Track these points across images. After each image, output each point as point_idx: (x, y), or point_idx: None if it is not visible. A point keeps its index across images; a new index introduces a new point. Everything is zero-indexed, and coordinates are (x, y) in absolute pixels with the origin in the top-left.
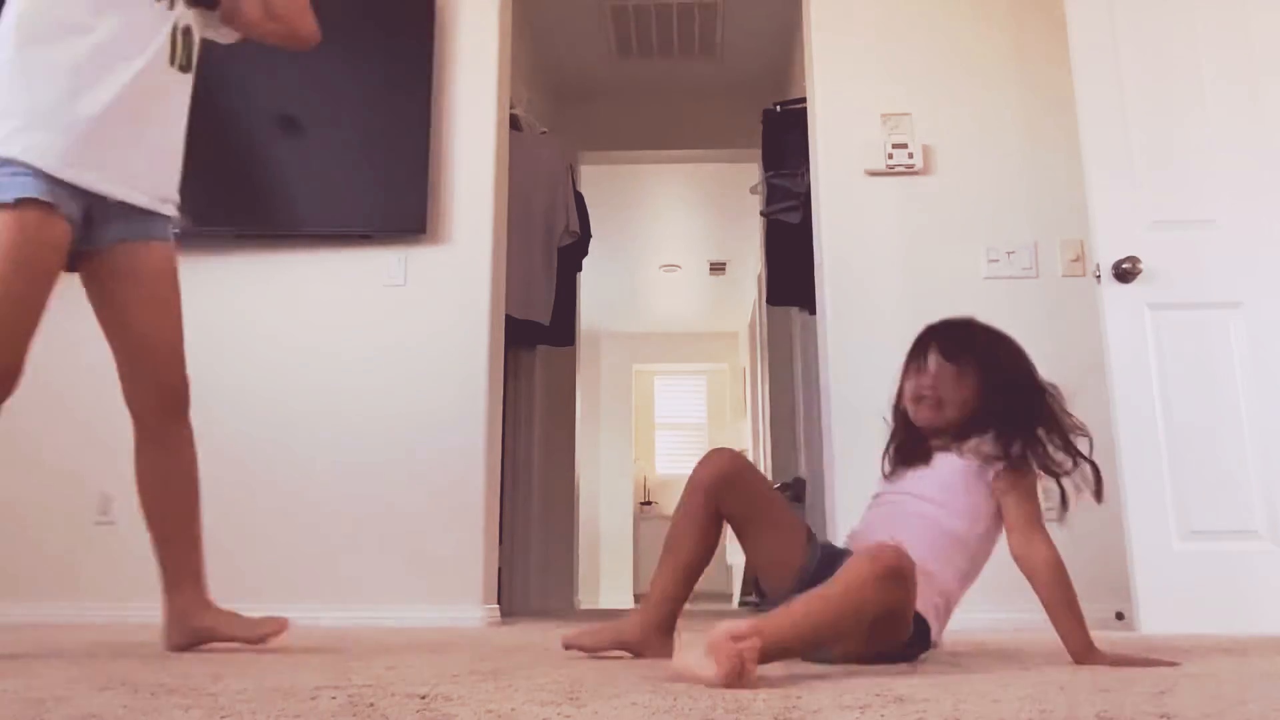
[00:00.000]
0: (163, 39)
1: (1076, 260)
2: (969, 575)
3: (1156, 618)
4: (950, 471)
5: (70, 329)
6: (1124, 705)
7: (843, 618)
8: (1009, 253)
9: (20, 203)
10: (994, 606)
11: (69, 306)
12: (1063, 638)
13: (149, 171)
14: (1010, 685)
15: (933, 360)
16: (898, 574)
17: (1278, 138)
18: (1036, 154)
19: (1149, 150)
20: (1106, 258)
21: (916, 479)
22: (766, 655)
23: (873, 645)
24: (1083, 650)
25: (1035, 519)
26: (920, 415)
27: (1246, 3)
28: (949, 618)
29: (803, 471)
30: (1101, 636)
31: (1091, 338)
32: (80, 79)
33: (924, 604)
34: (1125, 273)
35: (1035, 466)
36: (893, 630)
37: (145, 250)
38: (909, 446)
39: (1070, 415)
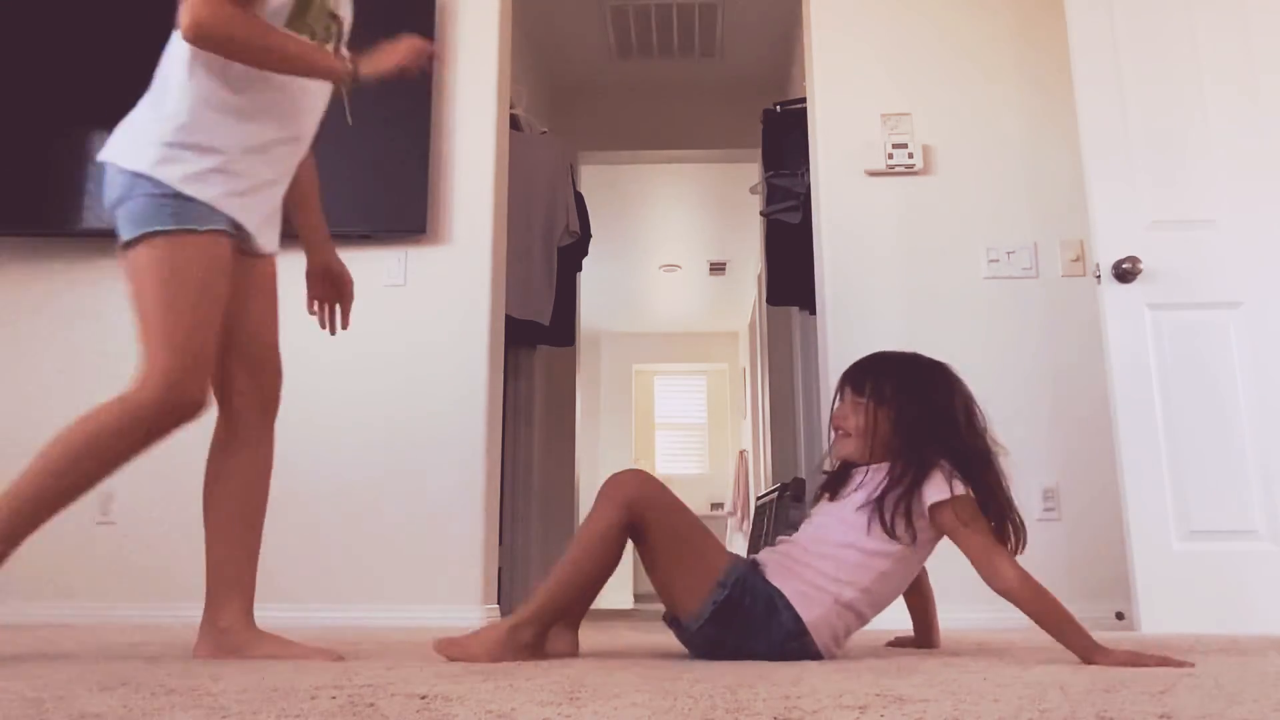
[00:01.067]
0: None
1: (1076, 260)
2: (873, 596)
3: (1156, 618)
4: (849, 507)
5: (70, 329)
6: (1124, 705)
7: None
8: (1009, 253)
9: (210, 232)
10: (993, 607)
11: (70, 306)
12: (1066, 647)
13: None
14: (1010, 685)
15: (842, 394)
16: (620, 496)
17: (1278, 138)
18: (1036, 154)
19: (1149, 150)
20: (1106, 258)
21: (826, 512)
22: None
23: (684, 581)
24: (1087, 651)
25: (988, 546)
26: (835, 448)
27: (1246, 3)
28: (847, 631)
29: (803, 471)
30: (1104, 637)
31: (1091, 338)
32: (257, 140)
33: (810, 607)
34: (1125, 273)
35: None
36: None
37: (260, 262)
38: (833, 479)
39: (999, 471)
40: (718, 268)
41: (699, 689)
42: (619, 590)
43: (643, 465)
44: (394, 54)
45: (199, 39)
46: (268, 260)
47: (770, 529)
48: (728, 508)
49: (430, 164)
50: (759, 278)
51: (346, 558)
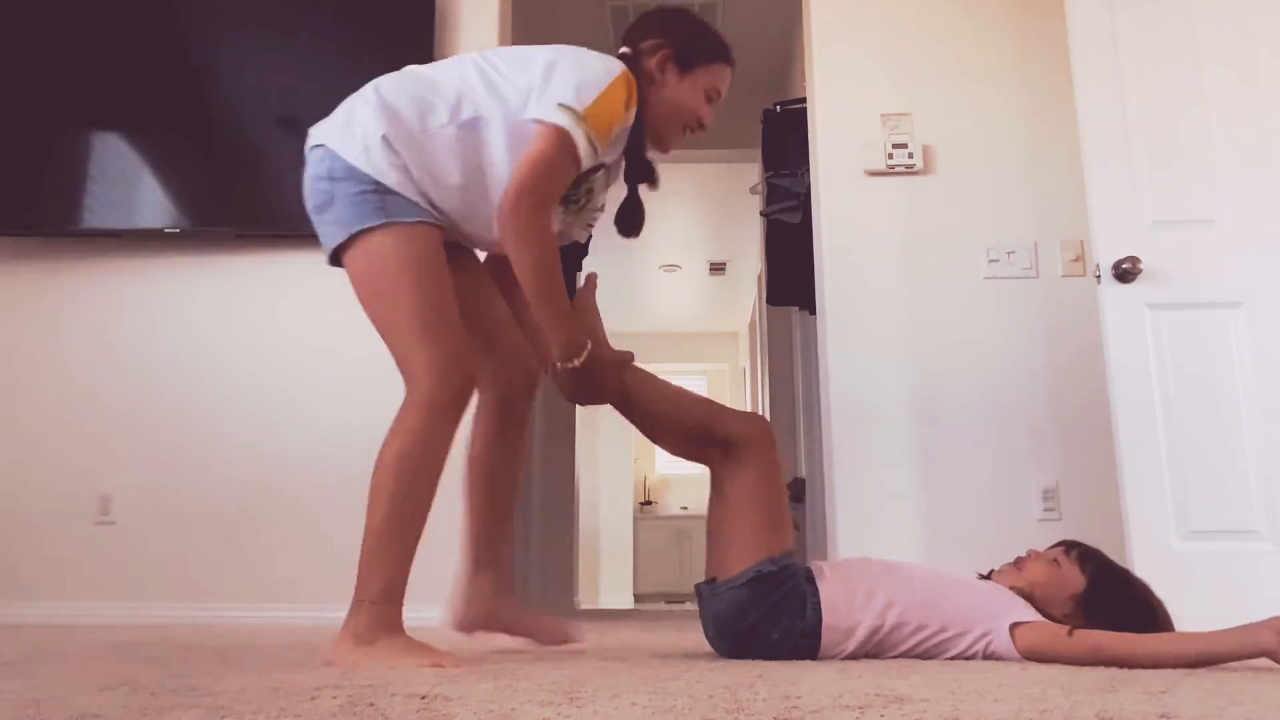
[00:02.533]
0: None
1: (1076, 260)
2: (909, 624)
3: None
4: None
5: (70, 329)
6: (1124, 705)
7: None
8: (1009, 253)
9: (418, 223)
10: None
11: (70, 306)
12: (1186, 663)
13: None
14: (1010, 685)
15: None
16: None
17: (1278, 138)
18: (1036, 154)
19: (1149, 150)
20: (1106, 258)
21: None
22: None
23: (746, 537)
24: (1243, 646)
25: (1048, 640)
26: (1023, 568)
27: (1246, 2)
28: (855, 639)
29: (803, 471)
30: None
31: (1091, 338)
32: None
33: (838, 608)
34: (1125, 273)
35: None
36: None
37: (467, 254)
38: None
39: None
40: (718, 268)
41: (699, 689)
42: (619, 590)
43: (642, 465)
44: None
45: (512, 230)
46: (472, 254)
47: None
48: None
49: None
50: (759, 278)
51: (347, 557)
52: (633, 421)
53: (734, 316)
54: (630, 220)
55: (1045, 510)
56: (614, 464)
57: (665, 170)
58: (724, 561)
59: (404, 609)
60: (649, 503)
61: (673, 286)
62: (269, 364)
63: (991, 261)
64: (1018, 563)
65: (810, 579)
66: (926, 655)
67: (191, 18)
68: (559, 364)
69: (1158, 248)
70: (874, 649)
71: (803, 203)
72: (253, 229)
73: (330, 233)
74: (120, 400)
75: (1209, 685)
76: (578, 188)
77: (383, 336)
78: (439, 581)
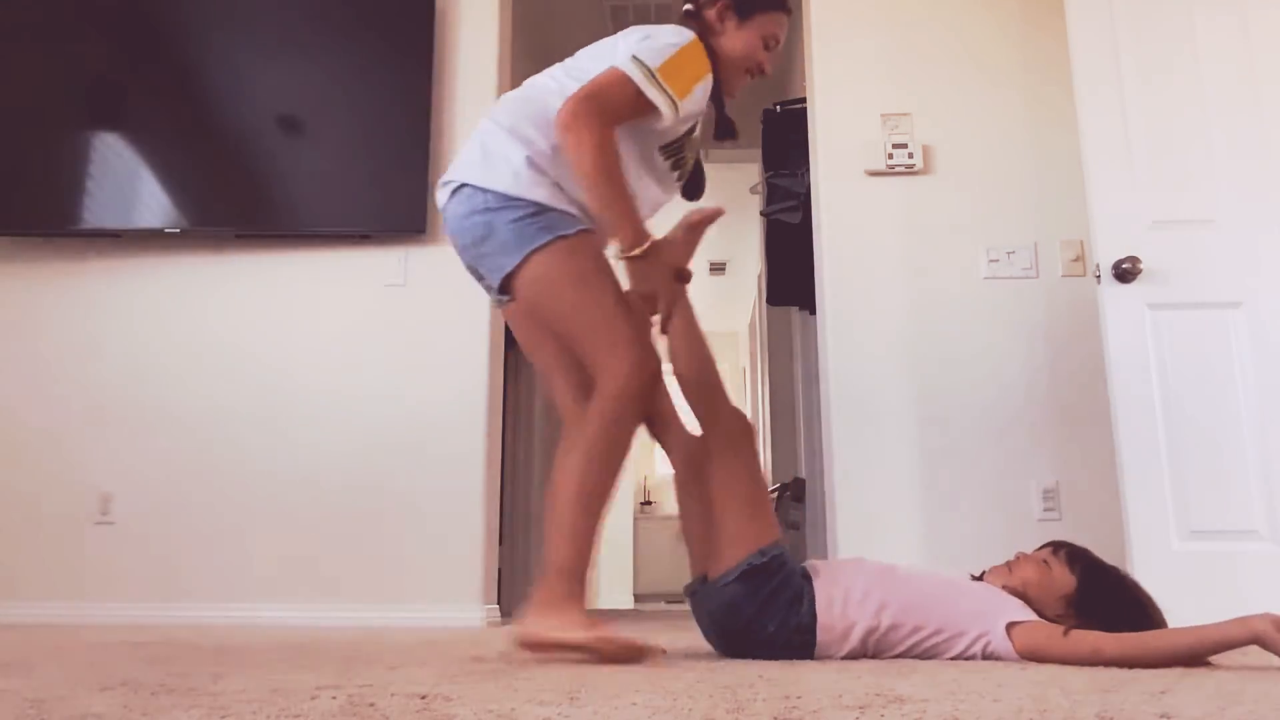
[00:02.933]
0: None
1: (1076, 260)
2: (903, 627)
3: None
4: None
5: (70, 330)
6: (1124, 705)
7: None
8: (1009, 253)
9: (580, 232)
10: None
11: (69, 306)
12: (1181, 660)
13: None
14: (1010, 685)
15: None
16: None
17: (1278, 137)
18: (1036, 154)
19: (1149, 150)
20: (1106, 258)
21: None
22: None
23: (735, 526)
24: (1226, 639)
25: (1044, 640)
26: (1013, 569)
27: (1246, 2)
28: (850, 640)
29: (803, 471)
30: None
31: (1091, 338)
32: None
33: (833, 606)
34: (1125, 273)
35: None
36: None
37: None
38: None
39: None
40: (718, 268)
41: (699, 689)
42: (619, 590)
43: (643, 464)
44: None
45: (564, 131)
46: None
47: None
48: None
49: (430, 164)
50: (759, 278)
51: (347, 558)
52: (670, 347)
53: (734, 316)
54: (695, 183)
55: (1045, 510)
56: None
57: None
58: (715, 554)
59: (427, 607)
60: (649, 503)
61: None
62: (269, 364)
63: (991, 261)
64: (1008, 564)
65: (806, 577)
66: (924, 657)
67: (191, 18)
68: (620, 254)
69: (1158, 248)
70: (871, 650)
71: (803, 203)
72: (253, 229)
73: (499, 262)
74: (120, 400)
75: (1209, 685)
76: (679, 149)
77: (574, 344)
78: (443, 582)
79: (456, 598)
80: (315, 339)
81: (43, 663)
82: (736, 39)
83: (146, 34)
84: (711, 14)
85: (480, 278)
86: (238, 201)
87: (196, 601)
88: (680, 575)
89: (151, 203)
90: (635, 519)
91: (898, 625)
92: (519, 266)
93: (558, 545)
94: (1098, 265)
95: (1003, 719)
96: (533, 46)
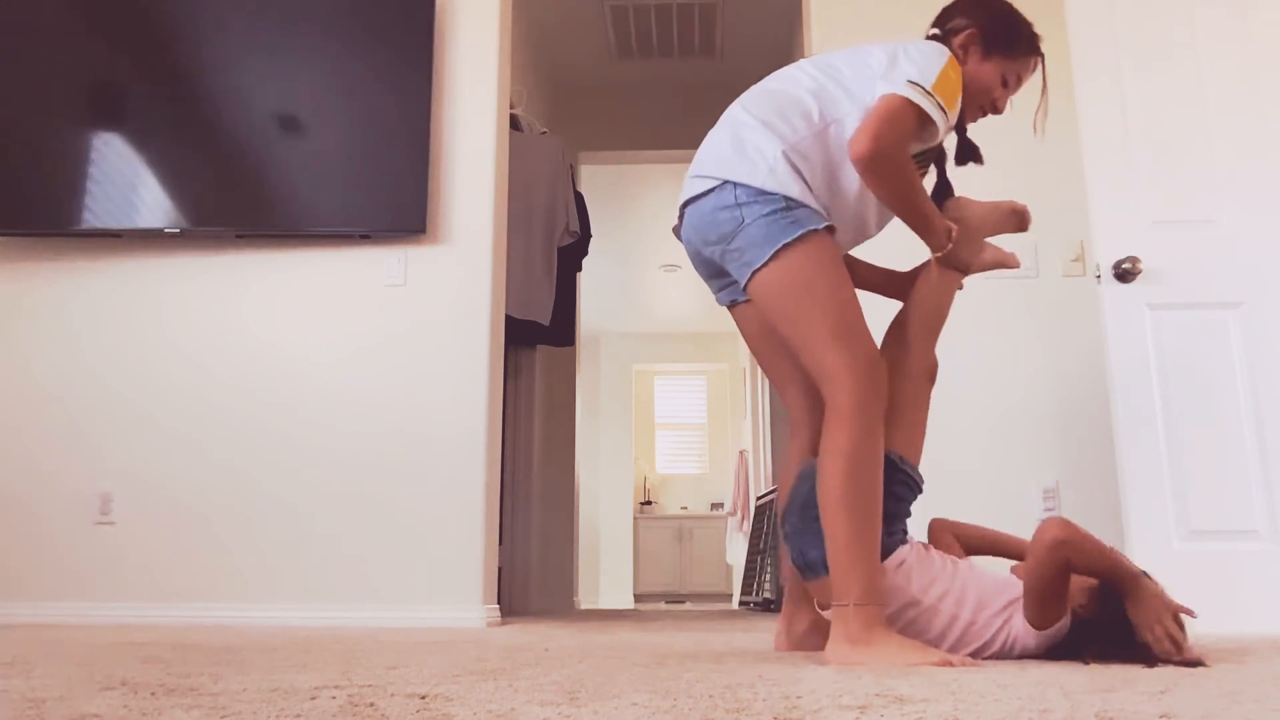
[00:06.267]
0: None
1: (1076, 260)
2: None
3: None
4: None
5: (70, 330)
6: (1124, 705)
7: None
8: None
9: (825, 228)
10: None
11: (69, 307)
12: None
13: None
14: (1010, 685)
15: None
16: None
17: (1278, 137)
18: (1036, 154)
19: (1149, 150)
20: (1106, 258)
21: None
22: None
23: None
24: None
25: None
26: None
27: (1246, 2)
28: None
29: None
30: None
31: (1091, 338)
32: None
33: (903, 568)
34: (1125, 273)
35: None
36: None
37: None
38: None
39: None
40: None
41: (699, 689)
42: (619, 590)
43: (642, 465)
44: (995, 252)
45: (869, 165)
46: None
47: (770, 529)
48: (728, 508)
49: (430, 164)
50: None
51: (347, 558)
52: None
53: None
54: (941, 199)
55: (1045, 510)
56: (614, 464)
57: (665, 170)
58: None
59: (427, 607)
60: (649, 503)
61: (673, 286)
62: (269, 364)
63: None
64: None
65: (909, 540)
66: (956, 646)
67: (192, 18)
68: (935, 255)
69: (1158, 248)
70: (904, 628)
71: None
72: (253, 229)
73: (749, 257)
74: (120, 400)
75: (1209, 685)
76: (927, 158)
77: (799, 347)
78: (443, 582)
79: (456, 598)
80: (315, 339)
81: (43, 663)
82: (978, 72)
83: (147, 34)
84: (956, 43)
85: (716, 277)
86: (238, 201)
87: (196, 601)
88: (680, 575)
89: (151, 203)
90: (635, 519)
91: (938, 610)
92: (768, 262)
93: (847, 577)
94: (1098, 265)
95: (1003, 719)
96: (533, 46)
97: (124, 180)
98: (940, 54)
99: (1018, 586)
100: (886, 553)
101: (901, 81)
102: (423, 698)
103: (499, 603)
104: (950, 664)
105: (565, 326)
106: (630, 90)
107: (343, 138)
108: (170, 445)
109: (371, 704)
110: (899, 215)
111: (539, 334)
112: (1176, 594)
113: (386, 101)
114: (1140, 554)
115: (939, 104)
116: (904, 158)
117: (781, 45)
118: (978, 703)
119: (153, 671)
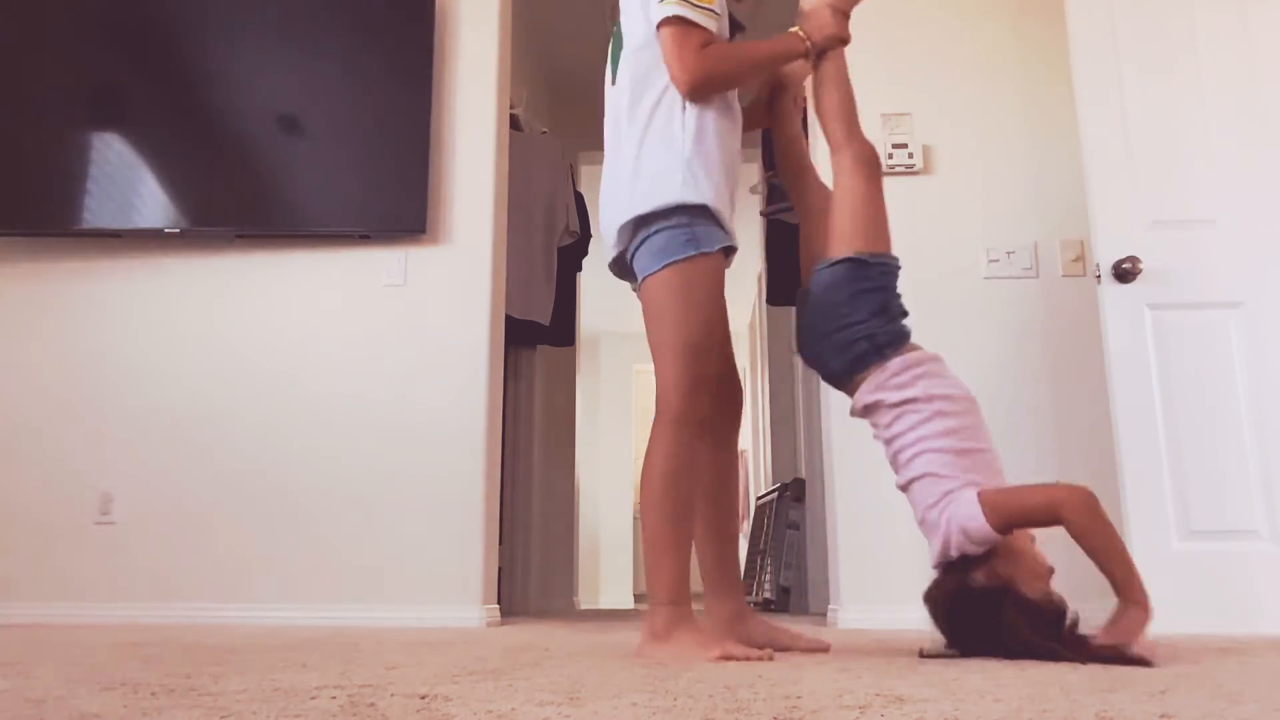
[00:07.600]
0: None
1: (1076, 260)
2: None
3: (1156, 618)
4: None
5: (70, 330)
6: (1124, 705)
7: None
8: (1009, 253)
9: (720, 250)
10: None
11: (69, 306)
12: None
13: None
14: (1010, 685)
15: None
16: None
17: (1278, 137)
18: (1036, 154)
19: (1149, 150)
20: (1106, 258)
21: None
22: None
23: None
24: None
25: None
26: None
27: (1246, 2)
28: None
29: (803, 471)
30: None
31: (1091, 338)
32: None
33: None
34: (1125, 273)
35: None
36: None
37: None
38: None
39: None
40: None
41: (699, 689)
42: (619, 590)
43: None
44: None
45: (699, 93)
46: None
47: (770, 529)
48: None
49: (430, 164)
50: (759, 277)
51: (346, 557)
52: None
53: (734, 316)
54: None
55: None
56: (614, 464)
57: None
58: (834, 241)
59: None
60: None
61: None
62: (269, 364)
63: (991, 261)
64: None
65: (907, 337)
66: (902, 462)
67: (192, 18)
68: (808, 56)
69: (1158, 248)
70: (893, 420)
71: None
72: (253, 229)
73: (644, 263)
74: (120, 400)
75: (1209, 686)
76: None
77: (651, 350)
78: (443, 582)
79: (457, 598)
80: (315, 339)
81: (43, 663)
82: None
83: (147, 34)
84: None
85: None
86: (238, 201)
87: (196, 601)
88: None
89: (151, 203)
90: (635, 519)
91: (922, 414)
92: (657, 271)
93: (656, 577)
94: (1098, 265)
95: (1003, 719)
96: (533, 46)
97: (124, 180)
98: None
99: (1005, 485)
100: (897, 339)
101: (660, 13)
102: (423, 698)
103: (499, 603)
104: (733, 657)
105: (565, 327)
106: None
107: (343, 138)
108: (171, 445)
109: (371, 704)
110: (755, 79)
111: (539, 334)
112: (1177, 594)
113: (387, 102)
114: (1140, 554)
115: (701, 8)
116: (714, 63)
117: None
118: (977, 702)
119: (153, 671)
